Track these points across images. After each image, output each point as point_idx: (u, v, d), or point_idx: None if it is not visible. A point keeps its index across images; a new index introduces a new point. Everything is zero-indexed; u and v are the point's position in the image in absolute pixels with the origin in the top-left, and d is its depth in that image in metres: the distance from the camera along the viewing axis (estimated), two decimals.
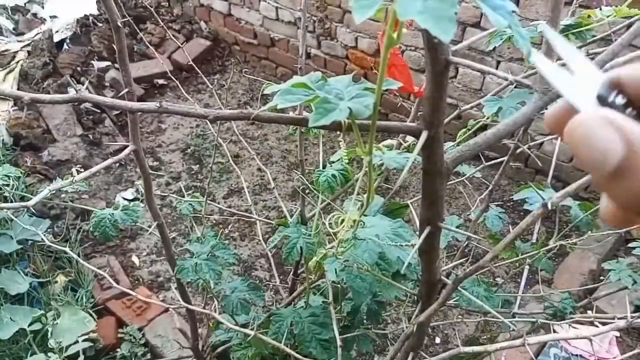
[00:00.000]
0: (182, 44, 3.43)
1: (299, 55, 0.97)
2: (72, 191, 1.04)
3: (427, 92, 0.48)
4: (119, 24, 0.80)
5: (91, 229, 1.02)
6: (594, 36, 0.87)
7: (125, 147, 0.89)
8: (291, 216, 1.11)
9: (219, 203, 2.20)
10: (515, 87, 0.84)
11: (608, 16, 0.84)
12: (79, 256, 1.36)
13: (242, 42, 3.59)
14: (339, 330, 0.89)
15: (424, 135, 0.44)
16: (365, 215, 0.80)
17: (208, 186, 1.27)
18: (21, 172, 2.09)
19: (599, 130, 0.20)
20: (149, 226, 1.10)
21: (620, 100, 0.22)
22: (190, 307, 1.04)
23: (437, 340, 1.91)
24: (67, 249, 1.03)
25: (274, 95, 0.42)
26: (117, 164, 2.73)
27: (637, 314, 0.72)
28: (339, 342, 0.84)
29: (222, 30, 3.66)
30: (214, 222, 2.41)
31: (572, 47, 0.25)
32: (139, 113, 1.07)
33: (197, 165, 2.82)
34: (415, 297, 0.75)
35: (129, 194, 2.56)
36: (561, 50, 0.25)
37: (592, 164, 0.20)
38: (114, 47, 0.82)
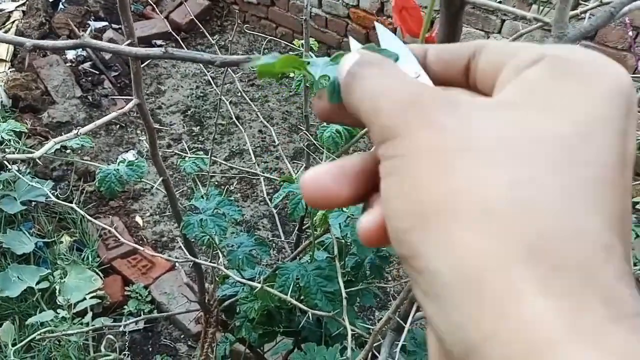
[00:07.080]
0: (180, 3, 3.35)
1: (304, 8, 0.95)
2: (77, 147, 1.03)
3: (441, 35, 0.47)
4: None
5: (97, 184, 1.02)
6: None
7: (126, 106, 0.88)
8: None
9: (220, 165, 2.21)
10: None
11: None
12: (83, 216, 1.37)
13: (241, 1, 3.50)
14: (343, 284, 0.90)
15: None
16: None
17: (212, 145, 1.26)
18: (26, 128, 2.08)
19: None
20: (152, 186, 1.11)
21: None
22: (197, 261, 1.05)
23: None
24: (73, 206, 1.04)
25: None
26: (118, 126, 2.71)
27: None
28: (344, 294, 0.85)
29: None
30: (216, 183, 2.41)
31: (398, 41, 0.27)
32: (141, 68, 1.05)
33: (198, 127, 2.80)
34: None
35: (131, 155, 2.56)
36: (387, 43, 0.26)
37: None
38: (111, 6, 0.80)
